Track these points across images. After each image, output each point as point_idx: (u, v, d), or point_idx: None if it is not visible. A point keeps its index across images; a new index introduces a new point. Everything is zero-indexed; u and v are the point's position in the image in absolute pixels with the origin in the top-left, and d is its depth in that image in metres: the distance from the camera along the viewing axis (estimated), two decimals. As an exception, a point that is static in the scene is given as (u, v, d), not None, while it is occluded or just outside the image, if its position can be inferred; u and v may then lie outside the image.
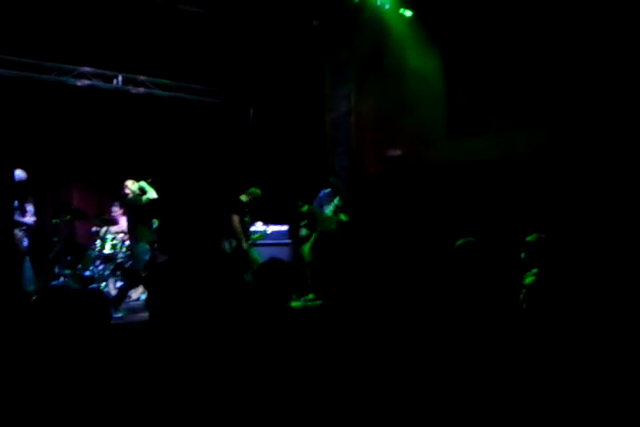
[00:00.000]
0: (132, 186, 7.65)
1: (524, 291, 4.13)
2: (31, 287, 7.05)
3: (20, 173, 7.02)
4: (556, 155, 7.11)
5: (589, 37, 6.88)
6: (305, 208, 8.74)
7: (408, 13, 8.61)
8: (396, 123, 8.86)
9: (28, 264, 7.02)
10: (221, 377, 2.68)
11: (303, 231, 8.91)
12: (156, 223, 8.27)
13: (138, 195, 7.62)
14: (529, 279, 4.17)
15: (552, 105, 7.27)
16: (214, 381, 2.65)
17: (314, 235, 8.76)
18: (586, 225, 6.39)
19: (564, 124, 7.16)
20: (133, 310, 7.76)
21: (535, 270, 4.20)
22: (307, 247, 8.76)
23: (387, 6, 8.68)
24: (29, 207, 7.20)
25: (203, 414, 2.52)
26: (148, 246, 7.62)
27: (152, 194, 7.64)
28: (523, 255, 4.39)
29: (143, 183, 7.68)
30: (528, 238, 4.38)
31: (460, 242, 4.38)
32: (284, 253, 8.98)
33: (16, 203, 6.99)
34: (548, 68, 7.28)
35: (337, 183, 9.16)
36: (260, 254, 8.31)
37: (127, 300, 8.51)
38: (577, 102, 7.04)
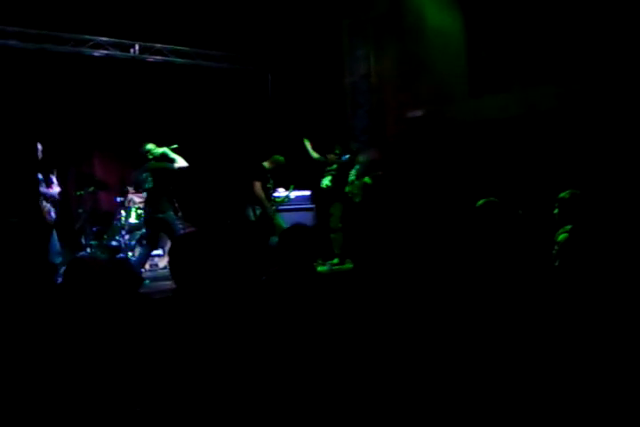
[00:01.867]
0: (154, 150, 7.59)
1: (556, 248, 4.07)
2: (59, 259, 7.11)
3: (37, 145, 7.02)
4: (581, 109, 6.96)
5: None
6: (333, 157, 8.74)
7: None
8: (417, 83, 8.70)
9: (55, 236, 7.07)
10: (248, 346, 2.68)
11: (326, 181, 8.85)
12: None
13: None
14: (562, 236, 4.10)
15: (574, 59, 7.10)
16: (241, 350, 2.65)
17: (336, 206, 8.70)
18: (617, 180, 6.27)
19: (587, 78, 7.00)
20: (160, 279, 7.83)
21: (568, 227, 4.13)
22: (335, 209, 8.73)
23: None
24: (54, 179, 7.22)
25: (230, 381, 2.52)
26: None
27: (181, 161, 7.60)
28: (556, 211, 4.31)
29: (166, 149, 7.61)
30: (562, 195, 4.30)
31: (480, 202, 4.32)
32: (307, 218, 8.98)
33: (40, 176, 7.01)
34: (569, 21, 7.09)
35: (357, 148, 9.10)
36: (284, 220, 8.32)
37: (155, 268, 8.60)
38: (600, 55, 6.86)
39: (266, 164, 8.30)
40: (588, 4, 6.88)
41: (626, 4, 6.57)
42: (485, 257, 3.86)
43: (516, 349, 2.82)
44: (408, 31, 8.78)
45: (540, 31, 7.40)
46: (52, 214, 7.04)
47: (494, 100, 7.95)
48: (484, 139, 7.82)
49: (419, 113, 8.90)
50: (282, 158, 8.38)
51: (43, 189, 6.96)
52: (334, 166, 8.92)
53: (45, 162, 7.16)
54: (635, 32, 6.52)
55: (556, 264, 3.93)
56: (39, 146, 7.02)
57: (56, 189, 7.19)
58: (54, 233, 7.09)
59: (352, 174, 8.91)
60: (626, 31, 6.58)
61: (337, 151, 8.79)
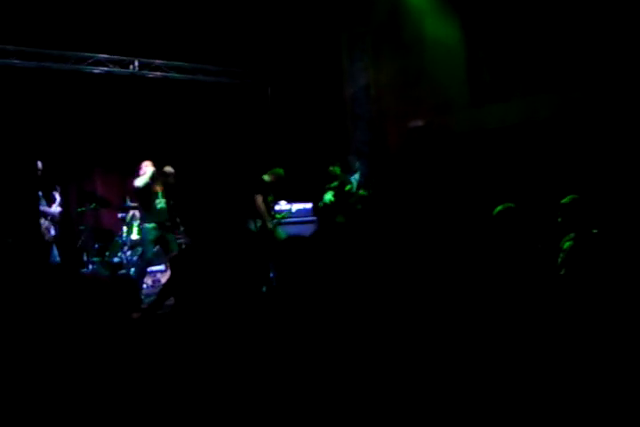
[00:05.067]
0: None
1: (561, 255, 4.02)
2: None
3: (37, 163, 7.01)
4: (580, 117, 6.94)
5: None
6: (337, 170, 8.75)
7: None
8: (417, 93, 8.69)
9: (55, 253, 7.03)
10: (249, 360, 2.63)
11: (329, 195, 8.84)
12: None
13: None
14: (567, 244, 4.05)
15: (573, 68, 7.09)
16: (242, 364, 2.61)
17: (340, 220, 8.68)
18: (619, 186, 6.23)
19: (585, 86, 6.99)
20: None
21: (573, 235, 4.09)
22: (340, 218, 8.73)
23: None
24: (57, 196, 7.20)
25: (232, 395, 2.48)
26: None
27: None
28: (560, 219, 4.27)
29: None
30: (563, 201, 4.26)
31: (499, 208, 4.32)
32: (309, 231, 8.94)
33: (40, 193, 6.99)
34: (568, 31, 7.09)
35: (354, 161, 9.11)
36: (286, 233, 8.27)
37: (158, 284, 8.55)
38: (598, 63, 6.85)
39: (266, 177, 8.25)
40: (587, 13, 6.87)
41: (623, 14, 6.57)
42: (489, 265, 3.82)
43: (523, 362, 2.77)
44: (407, 42, 8.78)
45: (539, 41, 7.39)
46: (52, 232, 7.00)
47: (494, 109, 7.93)
48: (484, 148, 7.80)
49: (419, 123, 8.89)
50: (282, 171, 8.33)
51: (42, 207, 6.93)
52: (335, 183, 8.90)
53: (47, 179, 7.14)
54: (633, 41, 6.51)
55: (562, 273, 3.88)
56: (39, 164, 7.00)
57: (57, 208, 7.14)
58: (54, 249, 7.06)
59: (354, 186, 8.91)
60: (624, 40, 6.58)
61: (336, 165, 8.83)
